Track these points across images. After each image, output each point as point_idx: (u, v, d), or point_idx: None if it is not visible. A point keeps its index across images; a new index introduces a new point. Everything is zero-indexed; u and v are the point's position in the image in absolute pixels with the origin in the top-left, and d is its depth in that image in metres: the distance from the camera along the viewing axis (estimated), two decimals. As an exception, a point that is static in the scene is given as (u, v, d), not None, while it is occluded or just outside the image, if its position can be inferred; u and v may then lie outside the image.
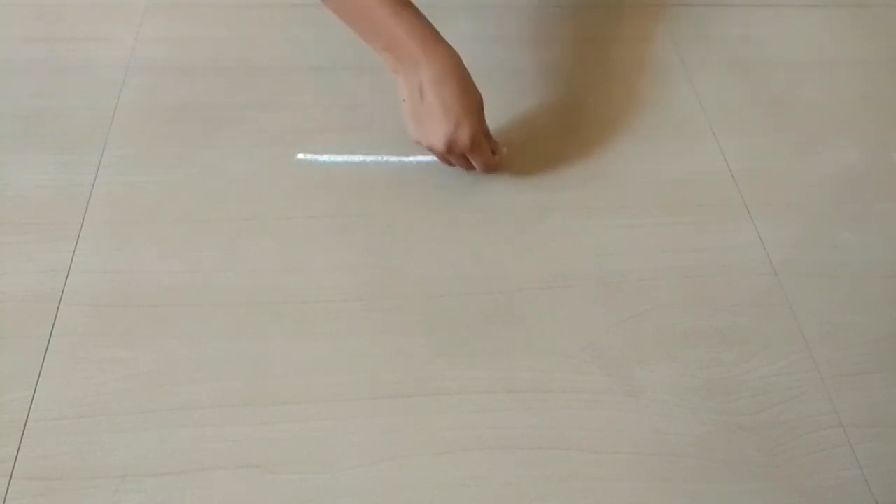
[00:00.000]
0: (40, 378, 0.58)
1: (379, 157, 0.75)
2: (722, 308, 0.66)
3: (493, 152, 0.71)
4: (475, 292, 0.65)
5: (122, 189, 0.71)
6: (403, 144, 0.75)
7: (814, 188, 0.76)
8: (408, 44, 0.63)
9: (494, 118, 0.79)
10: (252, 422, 0.57)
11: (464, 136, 0.65)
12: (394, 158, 0.75)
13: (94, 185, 0.71)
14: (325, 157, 0.75)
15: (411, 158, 0.75)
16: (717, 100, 0.84)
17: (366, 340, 0.62)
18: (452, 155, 0.67)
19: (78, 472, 0.54)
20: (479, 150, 0.68)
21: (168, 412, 0.57)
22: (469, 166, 0.71)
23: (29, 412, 0.56)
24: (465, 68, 0.66)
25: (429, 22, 0.65)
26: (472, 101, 0.66)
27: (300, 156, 0.75)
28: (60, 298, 0.63)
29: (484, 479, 0.55)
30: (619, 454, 0.57)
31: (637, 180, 0.75)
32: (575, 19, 0.93)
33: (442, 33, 0.66)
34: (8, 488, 0.53)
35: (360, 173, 0.73)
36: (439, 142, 0.65)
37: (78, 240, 0.67)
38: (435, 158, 0.72)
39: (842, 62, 0.91)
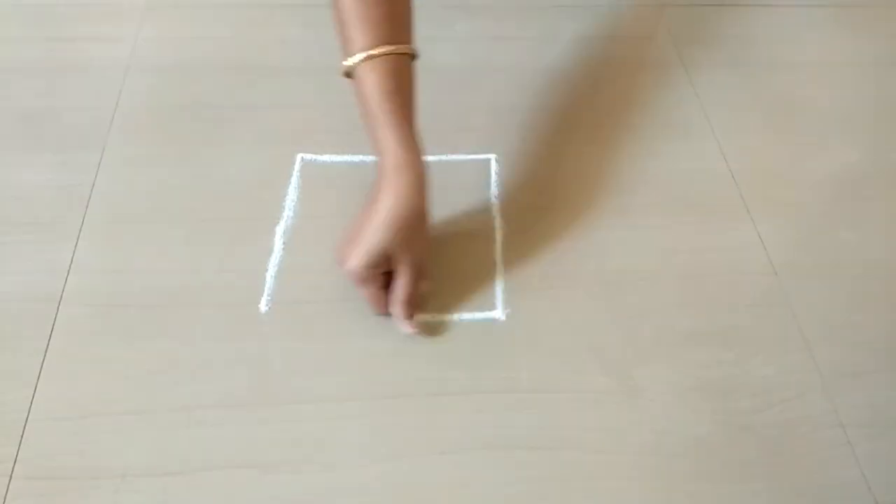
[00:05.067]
0: (40, 378, 0.58)
1: (379, 157, 0.75)
2: (722, 308, 0.66)
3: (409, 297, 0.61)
4: (475, 292, 0.65)
5: (122, 189, 0.71)
6: (403, 144, 0.75)
7: (814, 188, 0.76)
8: (384, 164, 0.59)
9: (495, 118, 0.79)
10: (252, 422, 0.57)
11: (348, 260, 0.59)
12: (394, 158, 0.75)
13: (94, 185, 0.71)
14: (325, 157, 0.75)
15: (411, 158, 0.75)
16: (717, 100, 0.84)
17: (366, 340, 0.62)
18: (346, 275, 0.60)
19: (78, 472, 0.54)
20: (358, 283, 0.60)
21: (168, 412, 0.57)
22: (372, 304, 0.62)
23: (29, 412, 0.56)
24: (410, 210, 0.58)
25: (418, 147, 0.60)
26: (386, 235, 0.57)
27: (300, 156, 0.75)
28: (60, 298, 0.63)
29: (484, 479, 0.55)
30: (619, 454, 0.57)
31: (637, 180, 0.75)
32: (575, 19, 0.93)
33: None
34: (8, 488, 0.53)
35: (360, 173, 0.73)
36: (336, 253, 0.60)
37: (78, 240, 0.67)
38: (436, 158, 0.72)
39: (842, 62, 0.91)
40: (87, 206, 0.69)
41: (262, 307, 0.63)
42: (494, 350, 0.62)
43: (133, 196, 0.70)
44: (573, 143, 0.78)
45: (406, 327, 0.61)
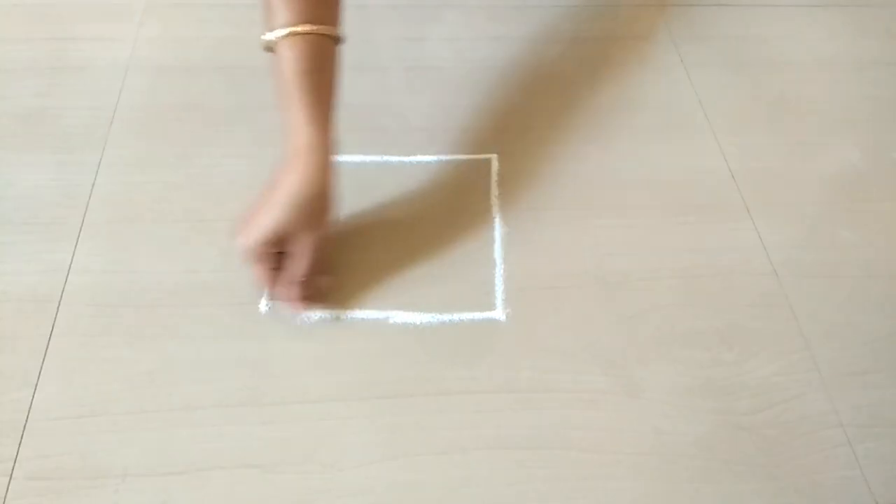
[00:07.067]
0: (40, 378, 0.58)
1: (379, 157, 0.75)
2: (722, 308, 0.66)
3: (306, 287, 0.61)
4: (475, 292, 0.65)
5: (122, 189, 0.71)
6: (403, 144, 0.75)
7: (814, 188, 0.76)
8: (293, 143, 0.58)
9: (495, 118, 0.79)
10: (252, 422, 0.57)
11: (241, 235, 0.58)
12: (394, 158, 0.75)
13: (94, 185, 0.71)
14: (325, 157, 0.75)
15: (411, 158, 0.75)
16: (717, 100, 0.84)
17: (366, 340, 0.62)
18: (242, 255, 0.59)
19: (78, 472, 0.54)
20: (249, 260, 0.59)
21: (168, 412, 0.57)
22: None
23: (29, 412, 0.56)
24: (312, 191, 0.57)
25: (329, 130, 0.59)
26: (283, 215, 0.56)
27: (300, 156, 0.75)
28: (60, 298, 0.63)
29: (484, 479, 0.55)
30: (619, 454, 0.57)
31: (637, 180, 0.75)
32: (575, 19, 0.93)
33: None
34: (8, 488, 0.53)
35: (360, 173, 0.73)
36: (235, 225, 0.59)
37: (78, 240, 0.67)
38: (436, 158, 0.72)
39: (842, 62, 0.91)
40: (87, 206, 0.69)
41: (262, 307, 0.63)
42: (494, 350, 0.62)
43: (133, 196, 0.70)
44: (573, 143, 0.78)
45: (293, 309, 0.60)
